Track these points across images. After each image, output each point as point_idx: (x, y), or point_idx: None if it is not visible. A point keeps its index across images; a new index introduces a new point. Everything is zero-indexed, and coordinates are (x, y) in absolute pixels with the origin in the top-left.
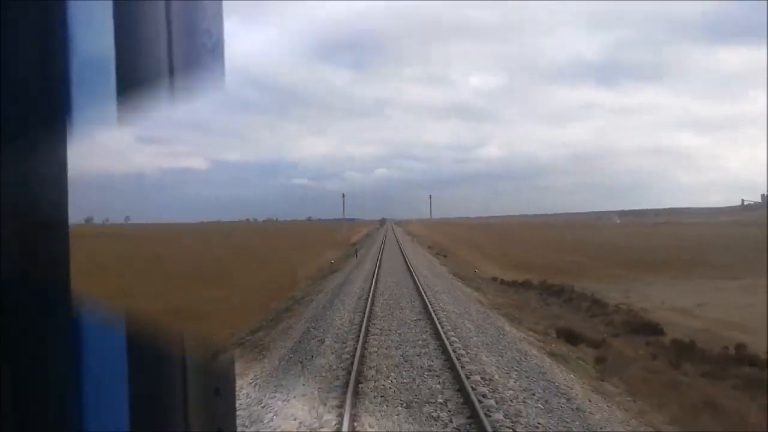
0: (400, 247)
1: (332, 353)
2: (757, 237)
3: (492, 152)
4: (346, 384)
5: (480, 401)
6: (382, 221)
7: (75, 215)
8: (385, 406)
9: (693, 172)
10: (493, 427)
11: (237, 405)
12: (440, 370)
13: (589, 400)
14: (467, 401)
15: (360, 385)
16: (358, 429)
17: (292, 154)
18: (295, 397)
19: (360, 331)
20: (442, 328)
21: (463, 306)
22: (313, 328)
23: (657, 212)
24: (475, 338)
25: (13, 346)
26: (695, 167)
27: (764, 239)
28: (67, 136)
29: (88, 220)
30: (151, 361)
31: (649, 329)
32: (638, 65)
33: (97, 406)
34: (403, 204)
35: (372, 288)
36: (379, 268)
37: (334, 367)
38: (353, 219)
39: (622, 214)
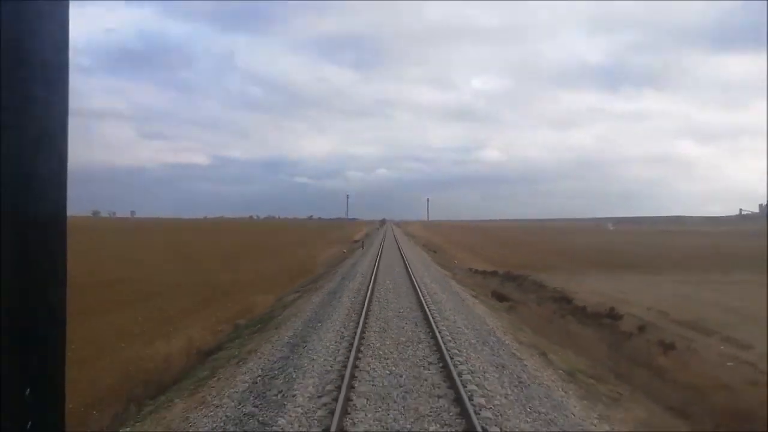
0: (397, 244)
1: (362, 277)
2: (718, 245)
3: (492, 155)
4: (370, 282)
5: (429, 307)
6: (383, 221)
7: (82, 208)
8: (387, 281)
9: (692, 181)
10: (431, 312)
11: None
12: (412, 294)
13: (490, 317)
14: (419, 302)
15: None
16: (379, 279)
17: (293, 153)
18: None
19: (370, 282)
20: (418, 284)
21: (437, 280)
22: (346, 278)
23: (655, 220)
24: (437, 289)
25: (13, 345)
26: (694, 176)
27: (709, 245)
28: (67, 134)
29: (95, 213)
30: None
31: (564, 301)
32: (641, 70)
33: None
34: (403, 204)
35: (375, 267)
36: (380, 258)
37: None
38: (354, 218)
39: (620, 221)
